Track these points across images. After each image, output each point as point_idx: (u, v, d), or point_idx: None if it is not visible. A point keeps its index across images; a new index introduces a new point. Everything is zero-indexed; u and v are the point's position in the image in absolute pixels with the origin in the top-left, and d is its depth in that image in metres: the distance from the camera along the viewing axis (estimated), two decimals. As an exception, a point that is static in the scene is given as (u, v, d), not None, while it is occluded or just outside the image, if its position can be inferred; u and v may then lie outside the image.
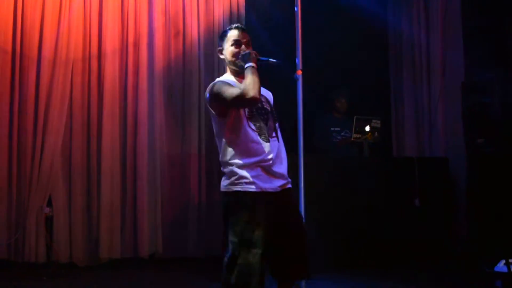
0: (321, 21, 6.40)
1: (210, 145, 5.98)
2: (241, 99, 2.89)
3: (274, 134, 3.05)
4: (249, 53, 3.01)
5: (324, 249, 5.10)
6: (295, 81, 4.10)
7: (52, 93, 5.44)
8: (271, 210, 2.91)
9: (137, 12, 5.88)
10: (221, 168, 3.09)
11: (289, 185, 3.11)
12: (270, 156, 2.96)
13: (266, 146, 2.97)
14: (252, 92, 2.85)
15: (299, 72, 3.97)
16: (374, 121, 6.03)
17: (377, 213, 5.48)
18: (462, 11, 6.21)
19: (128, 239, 5.64)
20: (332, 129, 6.28)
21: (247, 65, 2.97)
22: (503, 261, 4.74)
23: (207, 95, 3.06)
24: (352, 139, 6.00)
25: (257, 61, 3.02)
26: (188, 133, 5.98)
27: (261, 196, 2.91)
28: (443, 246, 5.70)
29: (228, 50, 3.12)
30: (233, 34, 3.13)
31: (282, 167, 3.05)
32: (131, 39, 5.83)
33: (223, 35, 3.18)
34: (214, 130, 3.12)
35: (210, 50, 6.11)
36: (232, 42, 3.10)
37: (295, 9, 4.35)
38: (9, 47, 5.39)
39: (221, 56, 3.19)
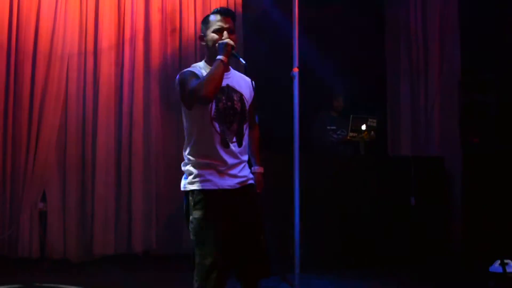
0: (318, 19, 6.39)
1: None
2: (194, 95, 2.74)
3: (235, 139, 2.87)
4: (226, 44, 2.78)
5: (319, 248, 5.10)
6: (291, 78, 4.10)
7: (48, 88, 5.42)
8: (229, 208, 2.82)
9: (133, 8, 5.85)
10: (181, 165, 2.99)
11: (250, 181, 2.95)
12: (225, 163, 2.83)
13: (223, 152, 2.83)
14: (204, 90, 2.68)
15: (296, 70, 3.96)
16: (370, 120, 6.03)
17: (372, 211, 5.48)
18: (460, 9, 6.22)
19: (122, 235, 5.62)
20: (328, 127, 6.27)
21: (217, 57, 2.77)
22: (498, 261, 4.75)
23: (175, 87, 2.91)
24: (348, 137, 6.00)
25: (231, 55, 2.80)
26: (183, 131, 5.93)
27: (217, 194, 2.82)
28: (439, 245, 5.70)
29: (209, 36, 2.87)
30: (215, 20, 2.87)
31: (240, 171, 2.90)
32: (127, 35, 5.80)
33: (205, 20, 2.93)
34: (183, 120, 3.00)
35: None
36: (214, 29, 2.85)
37: (293, 6, 4.35)
38: (4, 42, 5.36)
39: (203, 43, 2.94)
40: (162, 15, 5.98)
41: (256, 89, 2.98)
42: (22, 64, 5.39)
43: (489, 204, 5.30)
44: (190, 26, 6.06)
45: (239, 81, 2.98)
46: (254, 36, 6.30)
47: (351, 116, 5.98)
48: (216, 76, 2.73)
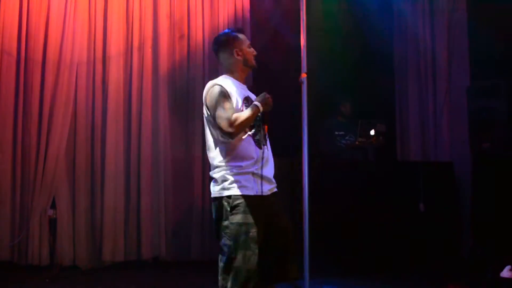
0: (326, 25, 6.40)
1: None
2: (224, 124, 2.94)
3: (264, 142, 3.12)
4: (270, 104, 3.08)
5: (328, 253, 5.08)
6: (299, 84, 4.10)
7: (57, 96, 5.45)
8: (262, 213, 2.95)
9: (142, 15, 5.88)
10: (210, 173, 3.10)
11: (275, 189, 3.17)
12: (261, 163, 3.02)
13: (259, 152, 3.04)
14: (234, 133, 2.92)
15: (304, 75, 3.96)
16: (378, 125, 6.01)
17: (381, 217, 5.45)
18: (468, 15, 6.19)
19: (132, 242, 5.63)
20: (336, 133, 6.26)
21: (256, 103, 3.03)
22: (509, 267, 4.72)
23: (205, 97, 3.08)
24: (357, 143, 5.99)
25: (262, 111, 3.05)
26: (192, 137, 5.97)
27: (253, 199, 2.94)
28: (448, 250, 5.66)
29: (248, 51, 3.20)
30: (244, 37, 3.25)
31: (270, 173, 3.12)
32: (135, 42, 5.83)
33: (235, 38, 3.22)
34: (208, 128, 3.11)
35: (215, 54, 6.09)
36: (248, 43, 3.22)
37: (300, 12, 4.35)
38: (14, 50, 5.41)
39: (238, 57, 3.19)
40: (170, 22, 6.01)
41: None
42: (31, 72, 5.43)
43: (499, 209, 5.26)
44: (198, 33, 6.08)
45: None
46: (261, 41, 6.31)
47: (360, 121, 5.97)
48: (250, 123, 2.99)
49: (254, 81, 6.14)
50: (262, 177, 3.01)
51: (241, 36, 3.23)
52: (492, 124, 5.39)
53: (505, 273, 4.77)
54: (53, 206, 5.43)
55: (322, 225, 4.85)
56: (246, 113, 2.97)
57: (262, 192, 2.99)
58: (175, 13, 6.04)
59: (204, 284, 5.00)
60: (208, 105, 3.05)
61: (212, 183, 3.07)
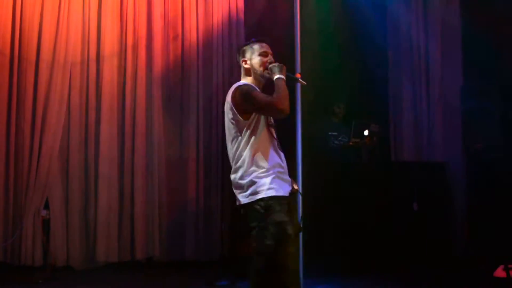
0: (320, 25, 6.40)
1: (209, 149, 5.97)
2: (272, 108, 2.99)
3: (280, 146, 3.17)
4: (282, 65, 3.11)
5: (323, 253, 5.08)
6: (293, 84, 4.10)
7: (50, 96, 5.44)
8: (290, 212, 3.02)
9: (136, 15, 5.87)
10: (234, 177, 3.09)
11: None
12: (283, 165, 3.09)
13: (282, 155, 3.11)
14: (285, 104, 2.98)
15: (298, 75, 3.96)
16: (372, 125, 6.02)
17: (375, 217, 5.46)
18: (461, 16, 6.22)
19: (125, 243, 5.62)
20: (329, 133, 6.27)
21: (278, 76, 3.07)
22: (502, 266, 4.74)
23: (232, 96, 3.08)
24: (351, 143, 6.00)
25: (286, 76, 3.11)
26: (186, 137, 5.96)
27: (282, 199, 2.99)
28: (442, 250, 5.68)
29: (256, 59, 3.19)
30: (260, 45, 3.23)
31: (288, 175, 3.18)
32: (129, 42, 5.82)
33: (247, 47, 3.26)
34: (231, 134, 3.11)
35: (209, 54, 6.11)
36: (261, 52, 3.20)
37: (294, 13, 4.36)
38: (7, 50, 5.40)
39: (246, 66, 3.22)
40: (164, 22, 6.00)
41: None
42: (25, 72, 5.41)
43: (493, 209, 5.29)
44: (192, 33, 6.08)
45: None
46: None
47: (353, 121, 5.98)
48: (287, 93, 3.02)
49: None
50: (285, 178, 3.08)
51: (255, 45, 3.24)
52: (485, 124, 5.41)
53: (498, 272, 4.80)
54: (47, 206, 5.40)
55: (316, 225, 4.86)
56: (280, 89, 3.03)
57: (286, 193, 3.04)
58: (169, 13, 6.04)
59: (197, 284, 5.01)
60: (238, 104, 3.04)
61: (238, 191, 3.08)
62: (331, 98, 6.48)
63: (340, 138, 6.23)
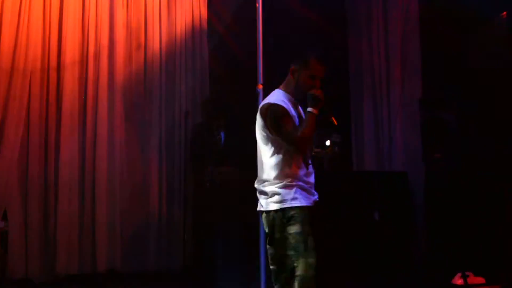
0: (283, 36, 6.44)
1: (172, 159, 5.94)
2: (293, 144, 3.02)
3: (310, 162, 3.20)
4: (319, 99, 3.10)
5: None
6: (256, 95, 4.12)
7: (9, 104, 5.34)
8: (311, 222, 3.06)
9: (98, 23, 5.81)
10: (260, 186, 3.13)
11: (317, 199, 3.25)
12: (311, 179, 3.14)
13: (310, 168, 3.15)
14: (307, 143, 3.06)
15: (260, 86, 4.00)
16: (334, 135, 6.07)
17: (336, 227, 5.50)
18: (421, 27, 6.34)
19: (86, 254, 5.53)
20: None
21: (310, 109, 3.08)
22: (460, 274, 4.83)
23: (263, 112, 3.10)
24: (313, 153, 6.03)
25: (319, 111, 3.10)
26: (149, 147, 5.92)
27: (305, 209, 3.02)
28: (402, 258, 5.75)
29: (305, 79, 3.13)
30: (317, 67, 3.14)
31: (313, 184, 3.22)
32: (91, 50, 5.76)
33: (305, 59, 3.16)
34: (262, 141, 3.14)
35: (172, 63, 6.09)
36: (312, 74, 3.12)
37: (257, 24, 4.39)
38: (-36, 57, 5.28)
39: (291, 77, 3.18)
40: (127, 31, 5.96)
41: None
42: (-18, 80, 5.30)
43: (451, 218, 5.39)
44: (155, 43, 6.05)
45: None
46: (219, 52, 6.33)
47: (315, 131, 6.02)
48: (312, 133, 3.07)
49: (210, 92, 6.15)
50: (309, 189, 3.11)
51: (311, 61, 3.14)
52: (444, 135, 5.53)
53: (456, 280, 4.89)
54: (5, 218, 5.28)
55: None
56: (306, 125, 3.05)
57: (311, 203, 3.08)
58: (132, 22, 6.00)
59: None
60: (267, 122, 3.07)
61: (262, 197, 3.12)
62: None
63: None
